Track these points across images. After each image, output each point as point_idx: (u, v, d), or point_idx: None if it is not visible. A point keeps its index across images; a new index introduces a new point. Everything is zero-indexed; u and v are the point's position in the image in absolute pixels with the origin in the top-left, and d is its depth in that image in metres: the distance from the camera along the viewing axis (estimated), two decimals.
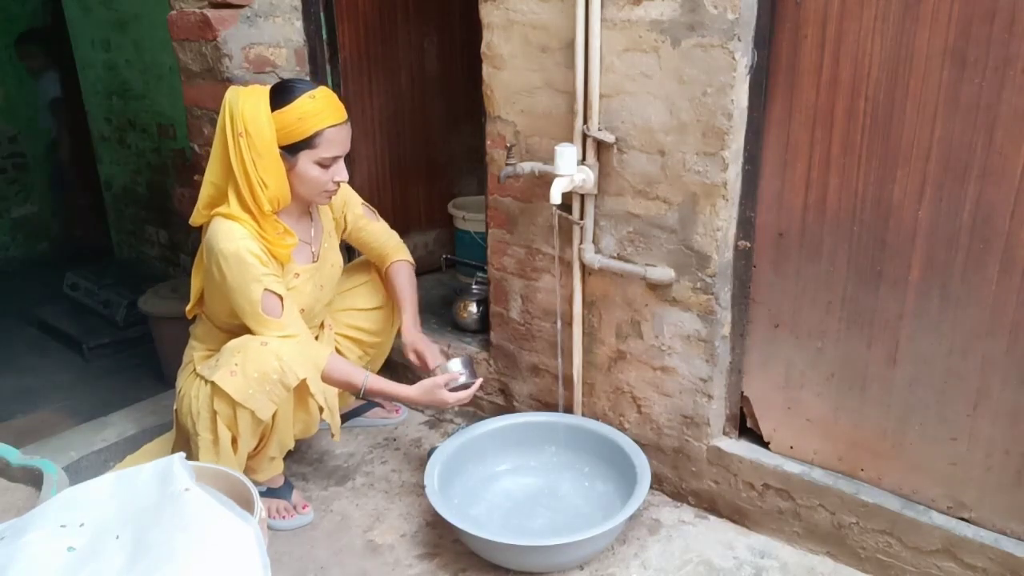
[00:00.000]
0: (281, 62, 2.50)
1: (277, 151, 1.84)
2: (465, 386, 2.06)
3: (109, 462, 2.33)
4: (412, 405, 2.06)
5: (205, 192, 1.93)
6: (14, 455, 1.55)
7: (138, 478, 1.38)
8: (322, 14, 2.55)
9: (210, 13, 2.36)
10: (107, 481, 1.39)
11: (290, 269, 1.98)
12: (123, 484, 1.38)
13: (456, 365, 2.09)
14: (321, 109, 1.84)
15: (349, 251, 2.55)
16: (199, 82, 2.51)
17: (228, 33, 2.38)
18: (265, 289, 1.85)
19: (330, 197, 1.98)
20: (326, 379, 1.97)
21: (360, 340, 2.31)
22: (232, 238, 1.83)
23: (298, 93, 1.84)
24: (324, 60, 2.59)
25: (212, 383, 1.83)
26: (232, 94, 1.84)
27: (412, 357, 2.20)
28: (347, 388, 2.05)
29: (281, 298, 1.88)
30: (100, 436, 2.42)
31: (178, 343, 3.41)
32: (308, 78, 2.56)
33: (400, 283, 2.28)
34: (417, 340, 2.21)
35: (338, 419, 2.07)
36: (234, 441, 1.89)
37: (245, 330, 1.91)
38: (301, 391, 1.90)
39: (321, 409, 1.98)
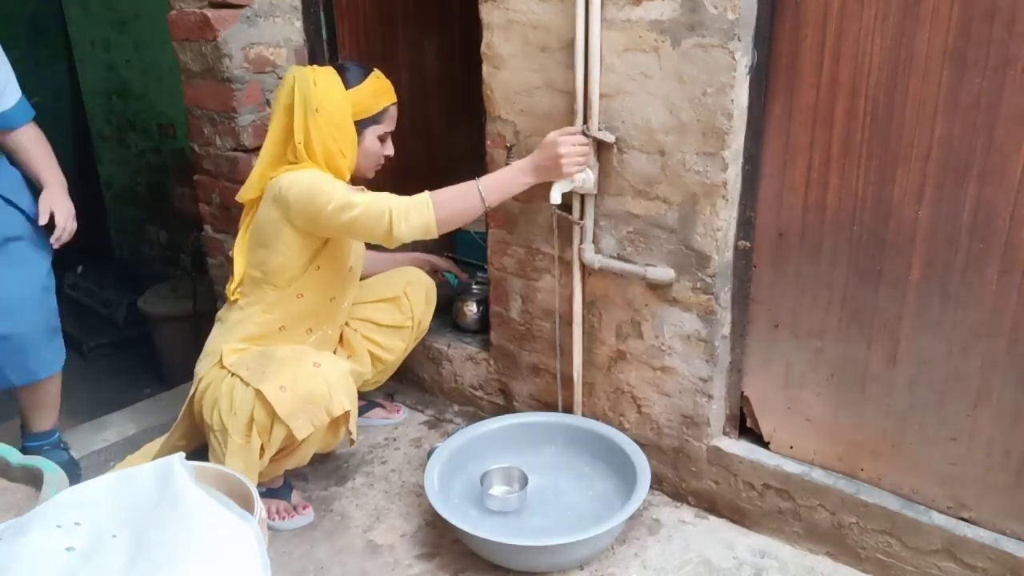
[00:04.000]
0: (281, 62, 2.50)
1: (353, 125, 1.98)
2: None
3: (109, 462, 2.33)
4: (539, 174, 1.90)
5: (261, 165, 2.00)
6: (14, 455, 1.55)
7: (138, 478, 1.38)
8: (322, 14, 2.55)
9: (210, 13, 2.36)
10: (107, 481, 1.38)
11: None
12: (123, 484, 1.37)
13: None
14: (388, 87, 2.04)
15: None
16: (199, 82, 2.51)
17: (228, 33, 2.38)
18: (342, 185, 1.93)
19: (375, 171, 2.13)
20: (440, 213, 1.86)
21: (372, 353, 2.31)
22: (297, 169, 1.93)
23: (366, 72, 2.01)
24: (324, 60, 2.59)
25: (259, 392, 1.83)
26: (298, 73, 1.94)
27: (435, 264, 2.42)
28: (467, 209, 1.91)
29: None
30: (100, 436, 2.43)
31: (178, 343, 3.42)
32: None
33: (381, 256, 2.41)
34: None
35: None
36: (260, 448, 1.88)
37: (303, 304, 2.02)
38: (337, 418, 1.89)
39: (351, 436, 1.96)
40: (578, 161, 1.87)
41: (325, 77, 1.94)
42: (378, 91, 2.02)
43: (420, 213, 1.85)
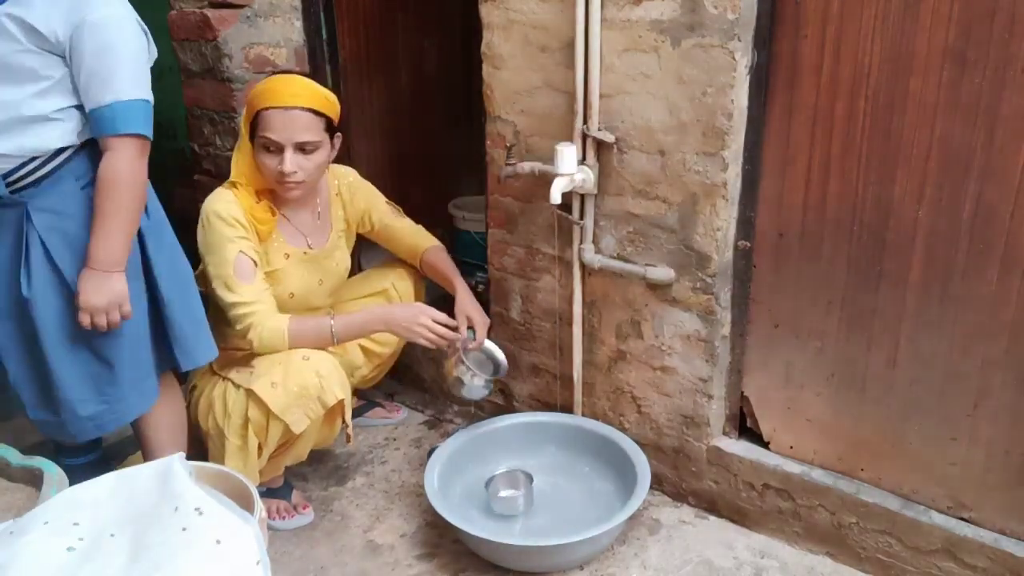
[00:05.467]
0: (281, 62, 2.50)
1: (246, 131, 1.93)
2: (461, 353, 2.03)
3: (109, 462, 2.33)
4: (388, 324, 1.98)
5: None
6: (14, 455, 1.55)
7: (138, 478, 1.38)
8: (322, 14, 2.55)
9: (210, 13, 2.36)
10: (107, 481, 1.39)
11: (279, 248, 1.99)
12: (123, 484, 1.38)
13: (488, 345, 2.14)
14: (264, 91, 1.87)
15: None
16: (199, 82, 2.51)
17: (228, 33, 2.38)
18: (240, 251, 1.88)
19: (287, 190, 1.92)
20: (294, 345, 1.90)
21: (367, 348, 2.28)
22: (219, 199, 1.91)
23: (264, 76, 1.95)
24: (324, 60, 2.59)
25: (250, 391, 1.83)
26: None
27: (461, 321, 2.12)
28: (319, 345, 1.94)
29: (256, 264, 1.90)
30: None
31: None
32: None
33: (442, 264, 2.26)
34: (471, 308, 2.14)
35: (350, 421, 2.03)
36: (258, 447, 1.88)
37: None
38: (333, 409, 1.89)
39: (347, 430, 1.97)
40: (431, 339, 1.96)
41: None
42: (255, 94, 1.88)
43: (274, 343, 1.88)
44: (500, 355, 2.16)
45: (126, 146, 1.61)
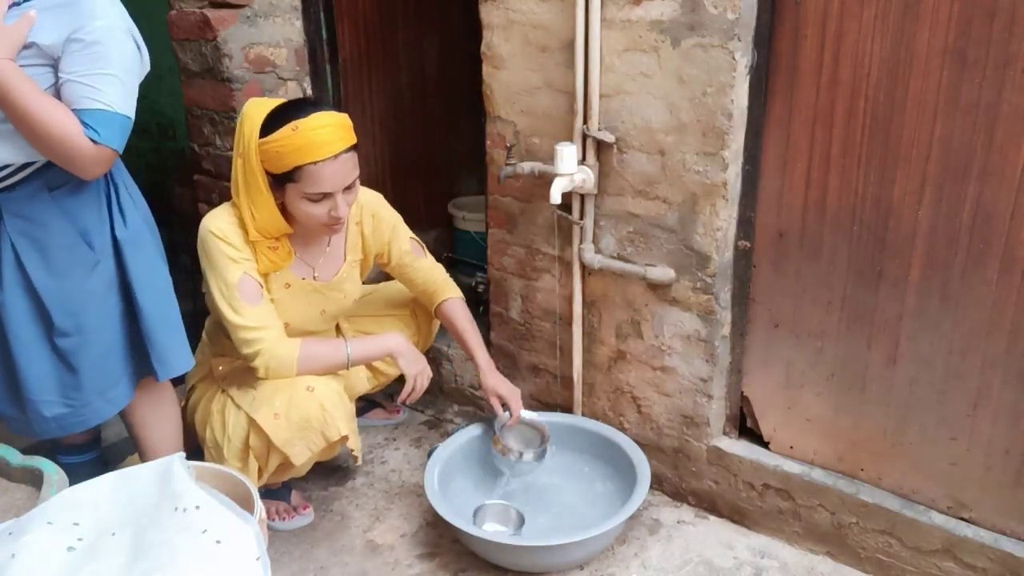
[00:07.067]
0: (281, 62, 2.50)
1: (263, 182, 1.77)
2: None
3: (109, 462, 2.33)
4: (396, 356, 1.98)
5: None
6: (14, 455, 1.55)
7: (138, 478, 1.38)
8: (322, 14, 2.55)
9: (210, 13, 2.36)
10: (107, 481, 1.39)
11: (280, 278, 1.92)
12: (123, 484, 1.38)
13: (527, 415, 2.10)
14: (302, 144, 1.71)
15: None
16: (199, 82, 2.51)
17: (228, 33, 2.38)
18: (245, 273, 1.82)
19: (332, 231, 1.87)
20: (303, 373, 1.86)
21: (376, 368, 2.25)
22: (221, 217, 1.84)
23: (285, 121, 1.72)
24: (324, 60, 2.59)
25: (252, 420, 1.81)
26: (246, 109, 1.79)
27: (494, 403, 2.08)
28: (332, 370, 1.94)
29: (261, 285, 1.85)
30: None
31: None
32: (308, 78, 2.55)
33: (461, 324, 2.14)
34: (499, 384, 2.09)
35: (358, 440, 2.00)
36: (258, 469, 1.88)
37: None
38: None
39: (353, 452, 1.95)
40: (420, 390, 2.00)
41: (254, 119, 1.76)
42: (285, 148, 1.71)
43: (283, 372, 1.84)
44: (541, 423, 2.10)
45: (95, 151, 1.57)
